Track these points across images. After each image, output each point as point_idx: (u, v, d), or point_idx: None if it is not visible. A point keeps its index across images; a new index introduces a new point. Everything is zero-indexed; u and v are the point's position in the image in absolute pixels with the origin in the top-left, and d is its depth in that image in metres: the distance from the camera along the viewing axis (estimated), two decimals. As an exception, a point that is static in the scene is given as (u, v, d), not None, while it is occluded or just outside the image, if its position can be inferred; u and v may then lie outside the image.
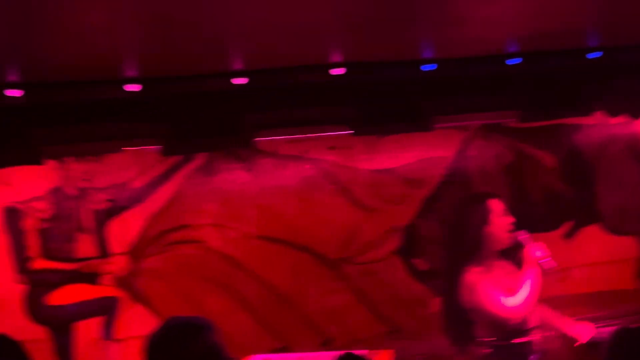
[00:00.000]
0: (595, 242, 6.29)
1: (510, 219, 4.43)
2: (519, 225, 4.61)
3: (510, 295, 4.14)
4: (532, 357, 4.19)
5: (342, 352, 2.70)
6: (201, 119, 3.74)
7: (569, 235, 6.26)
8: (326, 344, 5.73)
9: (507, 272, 4.33)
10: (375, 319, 5.91)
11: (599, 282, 6.30)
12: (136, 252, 5.61)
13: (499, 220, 4.34)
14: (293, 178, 5.83)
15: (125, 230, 5.60)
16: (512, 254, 4.68)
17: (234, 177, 5.73)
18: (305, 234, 5.84)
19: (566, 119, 6.13)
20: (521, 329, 4.17)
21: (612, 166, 6.34)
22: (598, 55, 4.01)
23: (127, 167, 5.56)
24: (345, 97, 3.92)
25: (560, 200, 6.26)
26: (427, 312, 5.99)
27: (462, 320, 4.27)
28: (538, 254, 4.19)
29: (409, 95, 3.97)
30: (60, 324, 5.45)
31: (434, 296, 5.98)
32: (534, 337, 4.22)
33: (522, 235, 4.29)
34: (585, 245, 6.27)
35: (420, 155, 6.02)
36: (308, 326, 5.78)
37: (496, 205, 4.38)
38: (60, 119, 4.05)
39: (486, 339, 4.16)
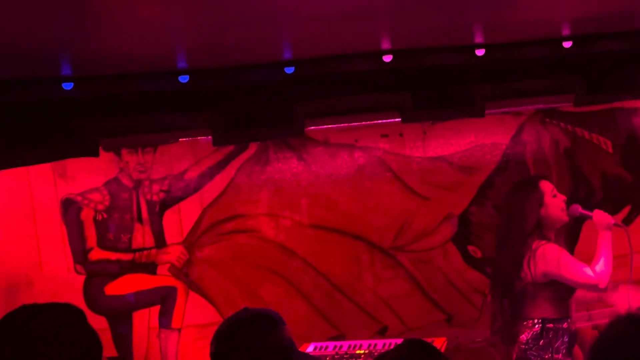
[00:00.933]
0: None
1: (563, 197, 4.40)
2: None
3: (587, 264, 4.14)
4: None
5: (402, 340, 2.67)
6: (252, 108, 3.76)
7: (628, 220, 6.14)
8: (381, 332, 5.73)
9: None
10: (430, 307, 5.89)
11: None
12: (191, 241, 5.68)
13: (553, 200, 4.33)
14: (345, 166, 5.83)
15: (180, 220, 5.67)
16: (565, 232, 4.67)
17: (287, 167, 5.76)
18: (358, 223, 5.84)
19: (622, 102, 6.02)
20: (570, 312, 4.18)
21: (672, 150, 6.20)
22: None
23: (182, 157, 5.64)
24: (395, 84, 3.90)
25: (619, 185, 6.15)
26: (484, 300, 5.96)
27: (515, 302, 4.27)
28: (607, 218, 4.19)
29: (461, 80, 3.93)
30: (118, 314, 5.56)
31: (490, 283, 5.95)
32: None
33: (579, 209, 4.28)
34: (645, 231, 6.15)
35: (475, 141, 5.97)
36: (363, 314, 5.79)
37: (547, 186, 4.38)
38: (114, 110, 4.11)
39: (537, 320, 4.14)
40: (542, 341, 4.13)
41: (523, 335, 4.12)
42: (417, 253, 5.90)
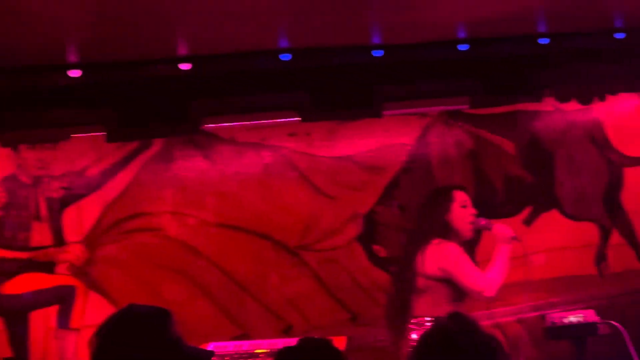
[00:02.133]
0: (554, 228, 6.33)
1: (473, 211, 4.47)
2: (480, 211, 4.69)
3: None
4: None
5: (300, 338, 2.67)
6: (147, 105, 3.70)
7: (529, 221, 6.29)
8: (286, 332, 5.72)
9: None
10: (335, 306, 5.90)
11: (559, 267, 6.34)
12: (92, 240, 5.57)
13: (461, 210, 4.39)
14: (252, 165, 5.80)
15: (81, 218, 5.56)
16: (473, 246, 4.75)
17: (192, 165, 5.70)
18: (265, 222, 5.82)
19: (525, 104, 6.16)
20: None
21: (571, 152, 6.37)
22: (547, 42, 4.01)
23: (83, 154, 5.51)
24: (294, 83, 3.89)
25: (520, 186, 6.29)
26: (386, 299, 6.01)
27: (408, 297, 4.33)
28: (506, 232, 4.26)
29: (360, 81, 3.95)
30: (15, 313, 5.41)
31: (393, 283, 6.01)
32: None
33: (483, 222, 4.35)
34: (544, 230, 6.30)
35: (380, 142, 6.02)
36: (268, 314, 5.77)
37: (459, 196, 4.44)
38: (7, 105, 4.00)
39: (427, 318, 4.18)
40: None
41: (414, 333, 4.15)
42: (323, 252, 5.91)
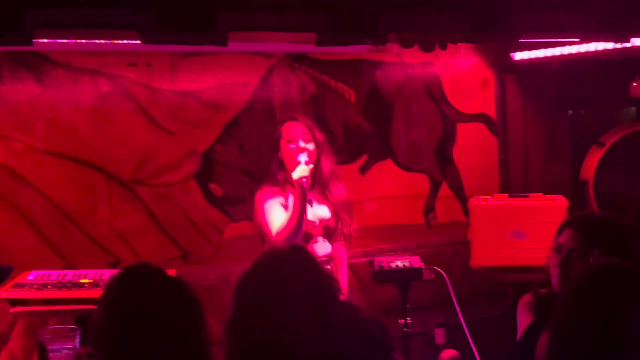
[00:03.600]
0: (388, 177, 6.51)
1: (298, 146, 4.46)
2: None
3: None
4: None
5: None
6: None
7: (364, 168, 6.43)
8: (114, 266, 5.57)
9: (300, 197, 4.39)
10: (167, 242, 5.82)
11: (389, 216, 6.54)
12: None
13: (287, 146, 4.37)
14: (87, 93, 5.56)
15: None
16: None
17: (23, 87, 5.39)
18: (97, 153, 5.61)
19: (368, 54, 6.26)
20: None
21: (409, 104, 6.56)
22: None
23: None
24: (136, 1, 3.72)
25: (359, 134, 6.41)
26: (220, 238, 5.98)
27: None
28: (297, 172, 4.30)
29: (205, 5, 3.83)
30: None
31: (228, 222, 5.98)
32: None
33: (302, 159, 4.36)
34: (378, 179, 6.47)
35: (224, 79, 5.94)
36: (96, 247, 5.60)
37: (286, 131, 4.41)
38: None
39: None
40: None
41: None
42: (157, 187, 5.79)
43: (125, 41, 4.23)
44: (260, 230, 4.35)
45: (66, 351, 3.13)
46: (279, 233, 4.32)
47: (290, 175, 4.53)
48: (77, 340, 3.16)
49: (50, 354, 3.10)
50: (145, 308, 2.23)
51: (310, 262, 2.30)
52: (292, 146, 4.62)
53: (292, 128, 4.68)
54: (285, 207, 4.53)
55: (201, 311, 2.30)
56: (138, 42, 3.97)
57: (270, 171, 4.79)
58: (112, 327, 2.22)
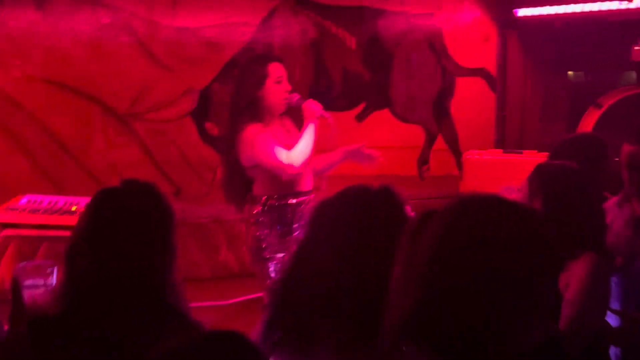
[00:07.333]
0: (384, 127, 6.51)
1: (287, 87, 4.42)
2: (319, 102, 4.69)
3: (288, 149, 4.18)
4: (301, 221, 4.25)
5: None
6: None
7: (361, 117, 6.43)
8: (106, 198, 5.59)
9: (287, 131, 4.36)
10: (161, 178, 5.83)
11: (383, 165, 6.53)
12: None
13: (275, 86, 4.33)
14: (87, 23, 5.54)
15: None
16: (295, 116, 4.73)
17: (23, 14, 5.37)
18: (95, 84, 5.61)
19: (371, 2, 6.22)
20: (296, 189, 4.23)
21: (409, 55, 6.53)
22: None
23: None
24: None
25: (357, 82, 6.39)
26: (214, 177, 6.00)
27: (240, 179, 4.27)
28: (315, 108, 4.23)
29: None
30: None
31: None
32: (308, 198, 4.28)
33: (296, 98, 4.31)
34: (374, 128, 6.47)
35: (225, 18, 5.91)
36: (88, 177, 5.62)
37: (275, 70, 4.36)
38: None
39: (262, 198, 4.18)
40: (264, 217, 4.17)
41: (254, 210, 4.15)
42: (153, 123, 5.80)
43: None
44: (262, 165, 4.26)
45: (42, 288, 2.85)
46: (294, 162, 4.22)
47: (301, 107, 4.40)
48: (54, 277, 2.91)
49: (25, 290, 2.80)
50: (121, 209, 2.20)
51: (401, 207, 2.25)
52: (280, 86, 4.55)
53: (279, 69, 4.62)
54: (276, 142, 4.47)
55: (174, 222, 2.27)
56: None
57: (241, 103, 4.59)
58: (88, 224, 2.18)
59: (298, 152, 4.18)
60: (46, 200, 4.58)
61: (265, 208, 4.18)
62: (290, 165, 4.13)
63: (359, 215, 2.13)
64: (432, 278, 1.59)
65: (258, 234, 4.16)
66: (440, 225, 1.64)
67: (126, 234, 2.15)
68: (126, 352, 2.05)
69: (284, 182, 4.28)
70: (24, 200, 4.55)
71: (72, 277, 2.15)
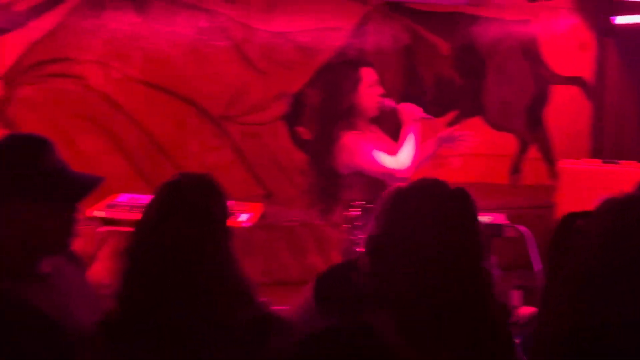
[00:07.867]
0: (476, 134, 6.41)
1: (380, 90, 4.39)
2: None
3: (390, 154, 4.16)
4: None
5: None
6: None
7: (453, 124, 6.35)
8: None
9: (379, 137, 4.35)
10: (252, 181, 5.90)
11: (474, 173, 6.46)
12: (12, 79, 5.35)
13: (368, 90, 4.30)
14: (185, 27, 5.65)
15: (2, 54, 5.32)
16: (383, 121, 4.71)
17: (124, 17, 5.51)
18: (191, 87, 5.71)
19: (465, 7, 6.17)
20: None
21: (503, 62, 6.44)
22: None
23: (10, -13, 5.26)
24: None
25: (449, 88, 6.34)
26: (304, 181, 6.02)
27: (333, 185, 4.27)
28: (414, 110, 4.20)
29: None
30: None
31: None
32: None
33: (389, 102, 4.28)
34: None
35: (319, 23, 5.94)
36: (183, 179, 5.70)
37: (367, 75, 4.34)
38: None
39: (360, 202, 4.16)
40: (362, 222, 4.15)
41: (351, 214, 4.13)
42: (247, 126, 5.87)
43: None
44: (367, 172, 4.24)
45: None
46: (403, 165, 4.21)
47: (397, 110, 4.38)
48: None
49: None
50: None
51: (474, 209, 2.23)
52: (373, 90, 4.52)
53: (371, 73, 4.59)
54: (375, 147, 4.47)
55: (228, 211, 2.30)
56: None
57: (340, 110, 4.57)
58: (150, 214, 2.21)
59: (406, 156, 4.17)
60: (143, 198, 4.66)
61: (364, 213, 4.17)
62: (400, 170, 4.12)
63: (443, 209, 2.11)
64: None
65: (355, 238, 4.15)
66: (604, 234, 1.66)
67: (188, 224, 2.17)
68: (198, 338, 2.07)
69: (380, 187, 4.27)
70: (121, 198, 4.65)
71: (138, 270, 2.17)
